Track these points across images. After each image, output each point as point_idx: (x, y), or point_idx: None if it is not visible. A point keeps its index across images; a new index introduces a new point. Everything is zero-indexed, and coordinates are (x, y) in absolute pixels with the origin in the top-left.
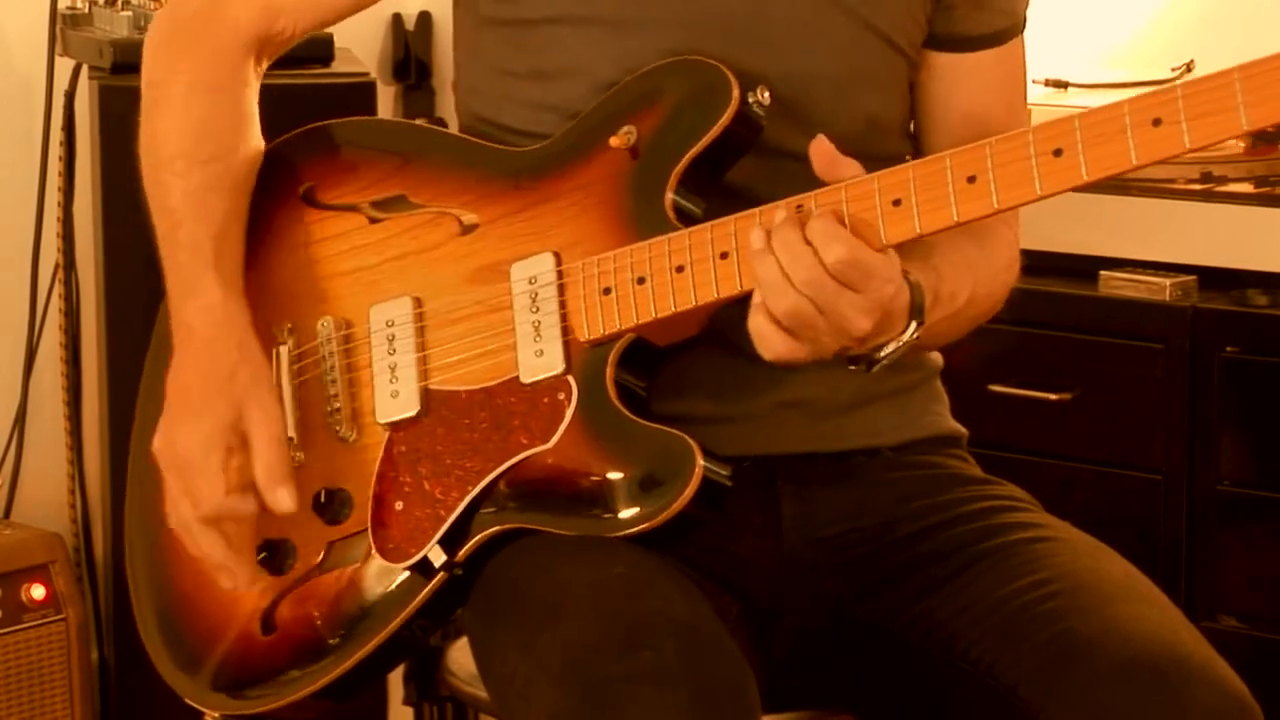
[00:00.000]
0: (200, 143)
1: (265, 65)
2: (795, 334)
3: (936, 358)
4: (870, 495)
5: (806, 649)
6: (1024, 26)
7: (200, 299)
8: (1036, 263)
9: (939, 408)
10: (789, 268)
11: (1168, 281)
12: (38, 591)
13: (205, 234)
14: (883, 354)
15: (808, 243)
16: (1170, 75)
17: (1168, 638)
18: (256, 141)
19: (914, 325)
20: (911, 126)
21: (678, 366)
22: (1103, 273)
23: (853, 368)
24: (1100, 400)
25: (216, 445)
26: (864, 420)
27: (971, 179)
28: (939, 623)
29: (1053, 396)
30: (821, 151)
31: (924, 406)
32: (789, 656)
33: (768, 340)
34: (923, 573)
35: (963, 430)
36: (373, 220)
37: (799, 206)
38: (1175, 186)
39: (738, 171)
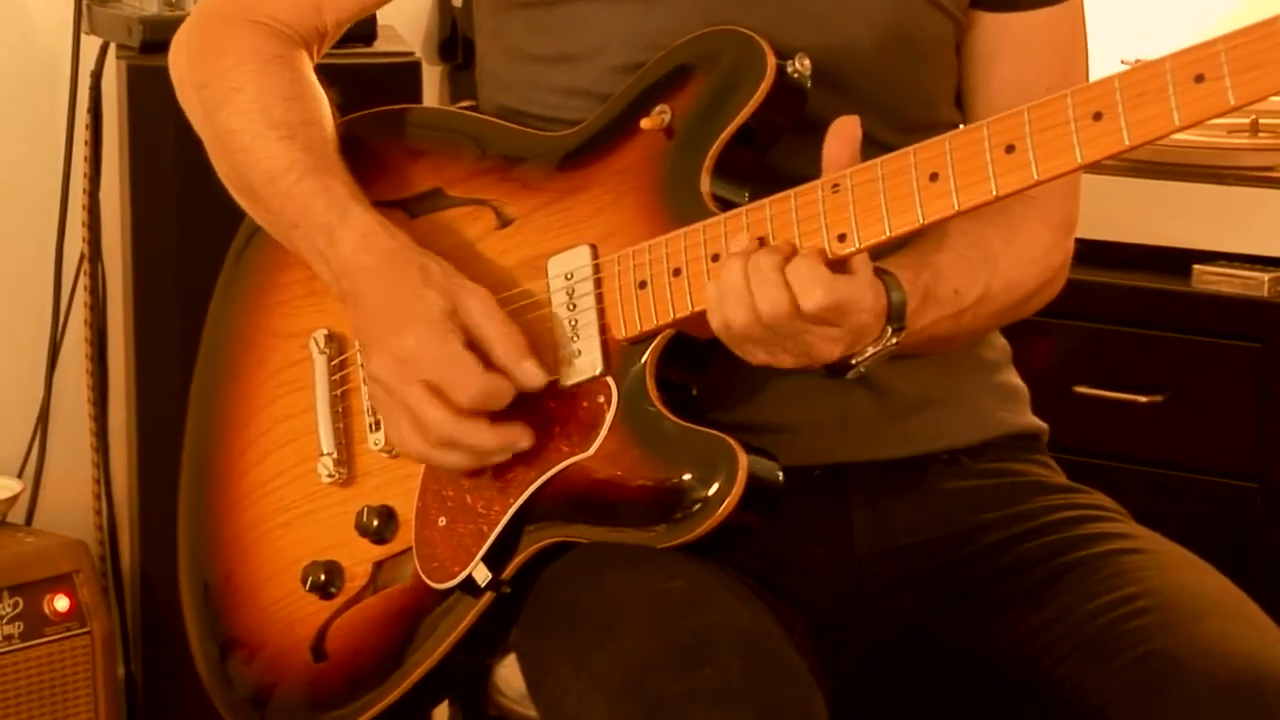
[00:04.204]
0: (291, 109)
1: (314, 60)
2: (753, 343)
3: (1001, 348)
4: (947, 504)
5: (877, 665)
6: None
7: (354, 229)
8: (1125, 256)
9: (1012, 404)
10: (758, 297)
11: (1266, 276)
12: (61, 603)
13: (332, 178)
14: (856, 361)
15: (786, 284)
16: None
17: (1266, 658)
18: (330, 118)
19: (890, 331)
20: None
21: (735, 374)
22: (1196, 266)
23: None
24: (1193, 403)
25: (450, 331)
26: (930, 422)
27: (1010, 148)
28: (1021, 639)
29: (1142, 399)
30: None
31: (994, 404)
32: (858, 673)
33: (727, 339)
34: (1004, 586)
35: (1042, 425)
36: (412, 216)
37: (835, 186)
38: (1274, 174)
39: (781, 152)
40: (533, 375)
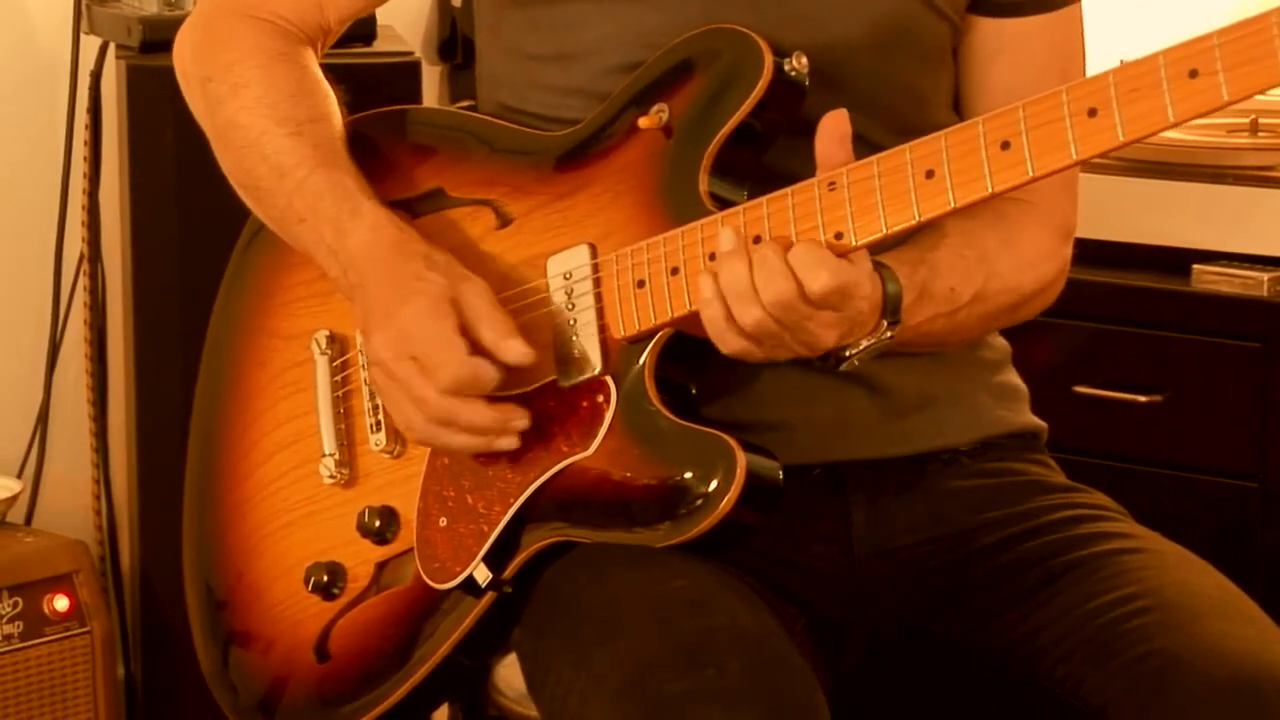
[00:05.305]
0: (298, 105)
1: (318, 57)
2: (758, 341)
3: (1000, 348)
4: (947, 504)
5: (877, 665)
6: None
7: (363, 222)
8: (1124, 256)
9: (1011, 404)
10: (762, 288)
11: (1265, 275)
12: (61, 603)
13: (341, 173)
14: (850, 354)
15: (790, 272)
16: None
17: (1265, 657)
18: (338, 114)
19: (885, 324)
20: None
21: (734, 373)
22: (1195, 266)
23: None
24: (1193, 402)
25: (444, 312)
26: (930, 421)
27: (1005, 145)
28: (1020, 639)
29: (1142, 398)
30: (838, 130)
31: (993, 403)
32: (859, 672)
33: (724, 339)
34: (1003, 586)
35: (1041, 424)
36: (415, 216)
37: (831, 184)
38: (1274, 174)
39: (779, 151)
40: (515, 351)
